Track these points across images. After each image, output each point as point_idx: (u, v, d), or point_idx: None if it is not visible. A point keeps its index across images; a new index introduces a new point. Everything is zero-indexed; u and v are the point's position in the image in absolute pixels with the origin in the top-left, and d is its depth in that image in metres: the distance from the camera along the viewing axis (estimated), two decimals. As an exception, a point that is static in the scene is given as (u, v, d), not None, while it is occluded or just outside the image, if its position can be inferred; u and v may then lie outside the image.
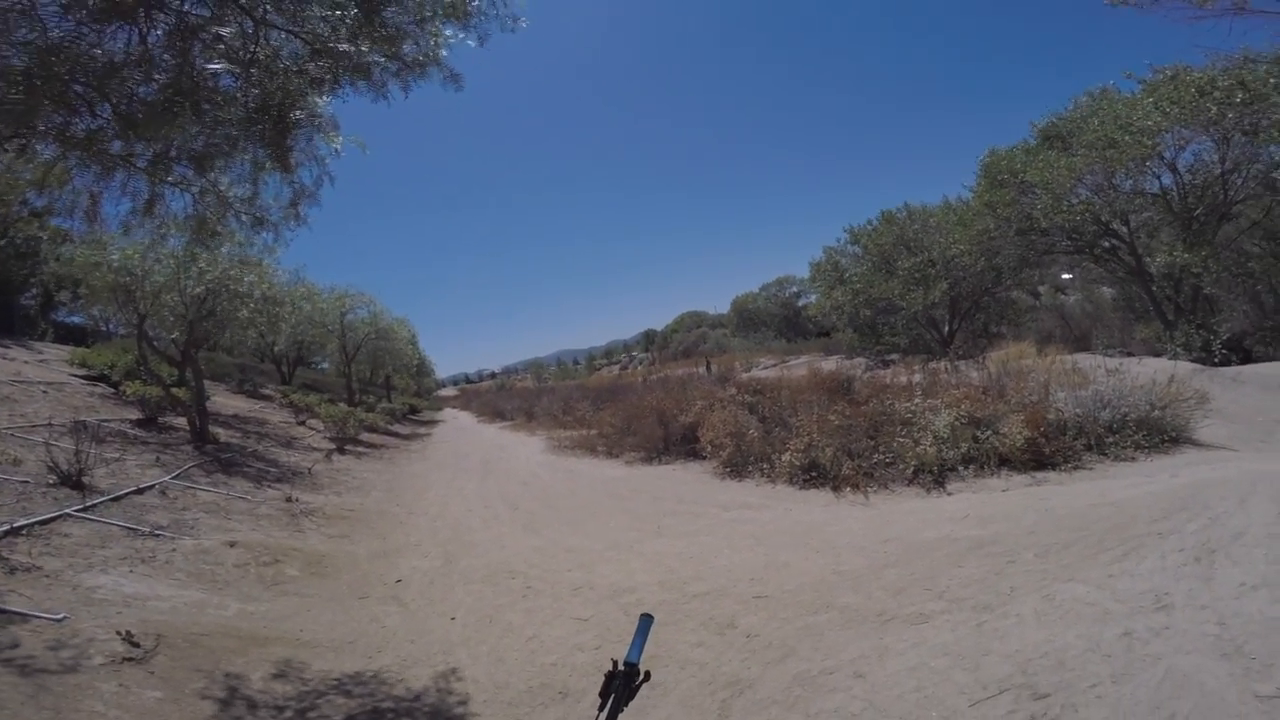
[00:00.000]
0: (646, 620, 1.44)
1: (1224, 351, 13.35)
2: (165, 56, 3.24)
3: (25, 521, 5.35)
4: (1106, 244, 17.79)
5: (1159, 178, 16.34)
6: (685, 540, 6.67)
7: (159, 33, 3.21)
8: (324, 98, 3.64)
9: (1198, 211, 15.68)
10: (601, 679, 1.36)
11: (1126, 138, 14.45)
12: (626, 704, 1.30)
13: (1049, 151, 17.01)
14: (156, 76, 3.29)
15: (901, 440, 8.20)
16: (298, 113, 3.54)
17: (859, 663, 3.43)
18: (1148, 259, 16.64)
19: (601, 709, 1.29)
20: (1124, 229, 17.07)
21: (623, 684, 1.31)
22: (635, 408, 14.12)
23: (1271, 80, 12.52)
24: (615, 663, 1.34)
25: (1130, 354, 14.57)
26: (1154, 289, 16.68)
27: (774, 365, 29.59)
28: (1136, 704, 2.41)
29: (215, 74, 3.35)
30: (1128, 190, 16.30)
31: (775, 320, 54.51)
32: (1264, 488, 4.11)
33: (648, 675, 1.34)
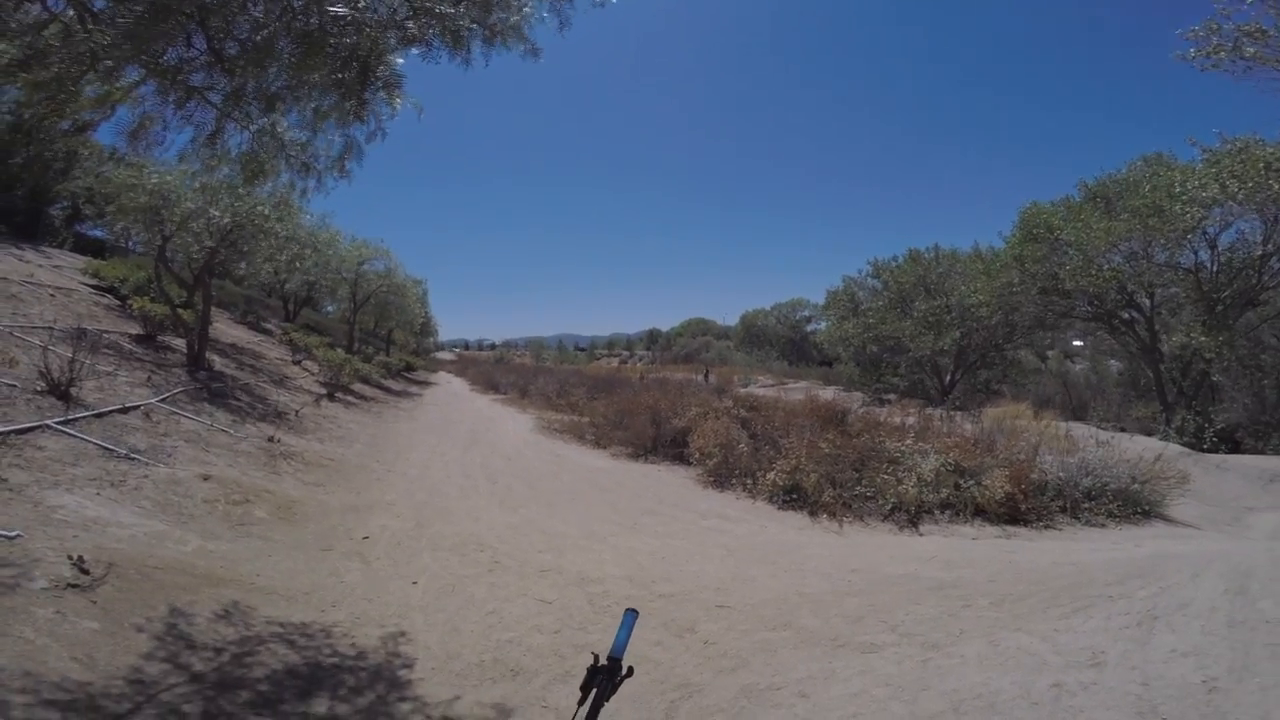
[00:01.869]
0: (631, 615, 1.42)
1: (1214, 439, 13.40)
2: None
3: (3, 429, 5.30)
4: (1126, 315, 17.79)
5: (1196, 253, 16.26)
6: (659, 540, 6.71)
7: None
8: (403, 57, 3.68)
9: (1225, 294, 15.62)
10: (556, 662, 1.35)
11: (1177, 207, 14.29)
12: (608, 699, 1.28)
13: (1091, 212, 16.95)
14: (257, 14, 3.33)
15: (885, 477, 8.26)
16: (380, 68, 3.57)
17: (806, 683, 3.48)
18: (1163, 337, 16.64)
19: (582, 703, 1.28)
20: (1146, 302, 17.07)
21: (605, 679, 1.29)
22: (630, 403, 14.16)
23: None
24: (597, 657, 1.32)
25: (1124, 430, 14.61)
26: (1162, 368, 16.70)
27: (772, 385, 29.61)
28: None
29: (312, 19, 3.38)
30: (1161, 262, 16.23)
31: (781, 341, 54.59)
32: (1218, 565, 4.22)
33: (630, 671, 1.33)
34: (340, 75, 3.45)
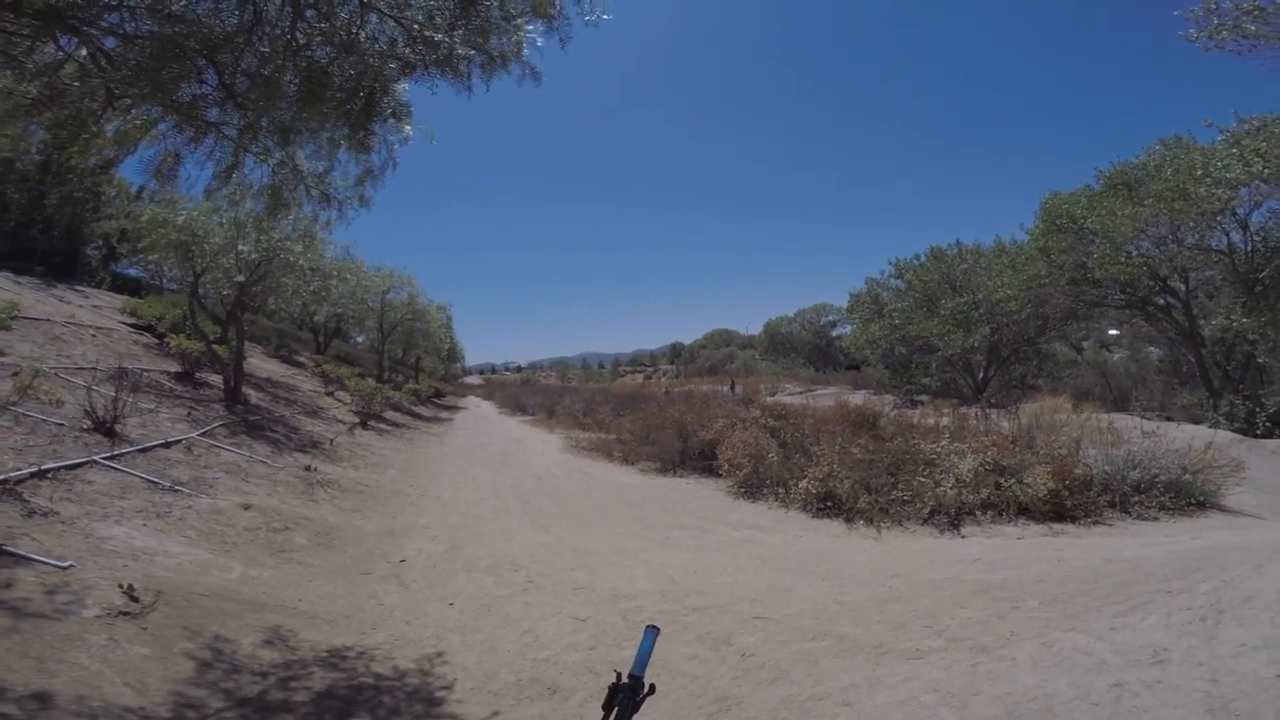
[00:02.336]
0: (652, 632, 1.39)
1: (1268, 424, 12.86)
2: (274, 32, 3.40)
3: (53, 465, 5.52)
4: (1161, 301, 17.27)
5: (1227, 234, 15.78)
6: (691, 554, 6.64)
7: (272, 8, 3.36)
8: (407, 85, 3.77)
9: (1264, 273, 15.10)
10: (591, 679, 1.34)
11: (1201, 189, 13.91)
12: (630, 717, 1.26)
13: (1114, 199, 16.56)
14: (263, 50, 3.45)
15: (922, 480, 8.07)
16: (385, 98, 3.66)
17: (849, 692, 3.38)
18: (1202, 321, 16.09)
19: None
20: (1181, 287, 16.55)
21: (627, 696, 1.27)
22: (656, 418, 14.12)
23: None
24: (619, 675, 1.31)
25: (1170, 419, 14.11)
26: (1204, 353, 16.13)
27: (800, 393, 29.31)
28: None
29: (316, 53, 3.49)
30: (1191, 245, 15.77)
31: (806, 348, 54.07)
32: (1284, 554, 3.99)
33: (652, 688, 1.31)
34: (348, 106, 3.54)
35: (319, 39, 3.53)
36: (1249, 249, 15.52)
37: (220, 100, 3.64)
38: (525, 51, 3.81)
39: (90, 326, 11.92)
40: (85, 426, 6.76)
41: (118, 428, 6.99)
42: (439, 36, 3.48)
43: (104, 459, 6.20)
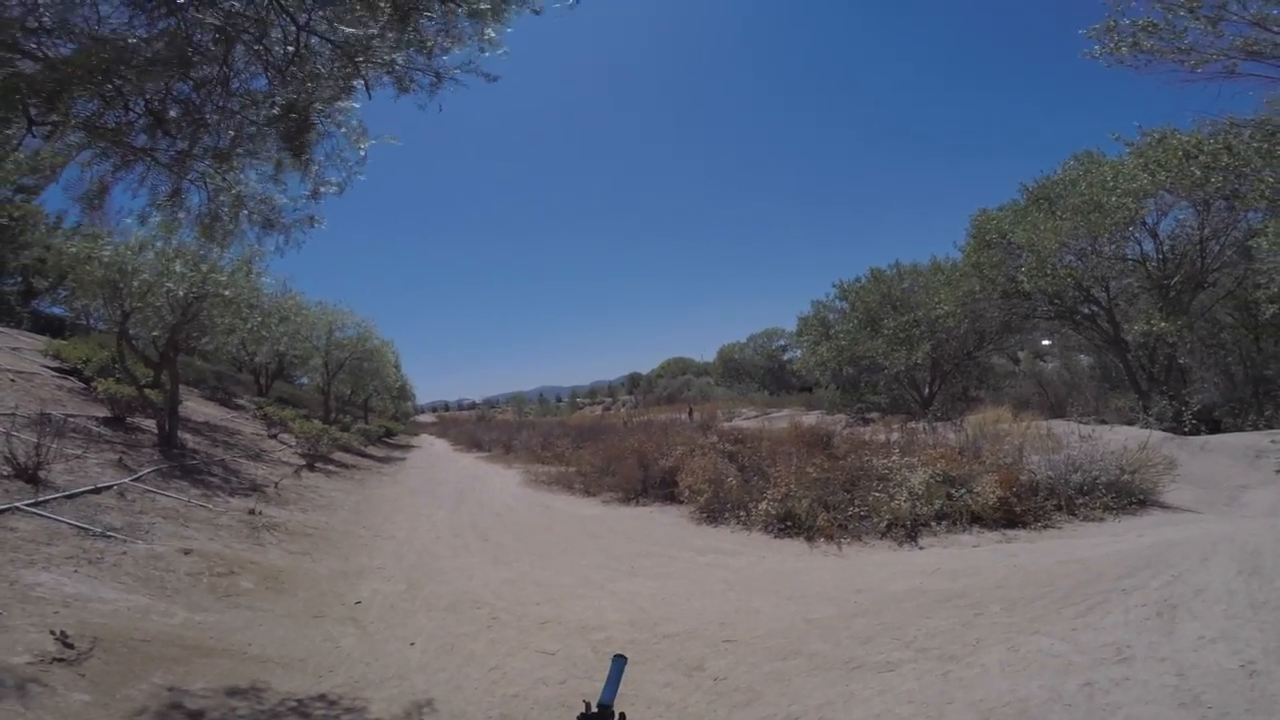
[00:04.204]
0: (620, 661, 1.40)
1: (1194, 421, 13.63)
2: (205, 55, 3.30)
3: (-29, 512, 5.12)
4: (1086, 310, 18.24)
5: (1140, 244, 16.89)
6: (658, 581, 6.57)
7: (202, 33, 3.26)
8: (353, 102, 3.69)
9: (1175, 279, 16.16)
10: (564, 713, 1.33)
11: (1113, 199, 14.80)
12: None
13: (1037, 213, 17.51)
14: (193, 75, 3.35)
15: (877, 495, 8.23)
16: (322, 117, 3.59)
17: (825, 709, 3.38)
18: (1125, 326, 17.06)
19: None
20: (1103, 295, 17.53)
21: None
22: (616, 448, 14.03)
23: (1255, 145, 12.91)
24: (588, 704, 1.29)
25: (1104, 422, 14.80)
26: (1130, 358, 17.07)
27: (756, 416, 29.68)
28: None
29: (250, 75, 3.41)
30: (1109, 255, 16.77)
31: (759, 372, 54.90)
32: (1225, 547, 4.21)
33: (622, 717, 1.30)
34: (283, 126, 3.46)
35: (255, 65, 3.46)
36: (1160, 257, 16.62)
37: (149, 127, 3.51)
38: (481, 55, 3.76)
39: (9, 370, 11.15)
40: (5, 474, 6.31)
41: (42, 474, 6.53)
42: (384, 55, 3.44)
43: (27, 505, 5.79)
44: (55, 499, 6.28)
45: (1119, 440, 9.60)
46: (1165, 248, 16.68)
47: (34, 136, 3.17)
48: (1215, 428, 14.60)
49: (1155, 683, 2.76)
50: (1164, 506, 7.87)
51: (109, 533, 6.03)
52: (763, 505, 8.68)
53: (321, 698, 3.95)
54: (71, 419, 9.67)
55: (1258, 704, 2.45)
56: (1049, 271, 16.67)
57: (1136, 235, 16.65)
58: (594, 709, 1.28)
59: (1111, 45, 6.58)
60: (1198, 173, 13.43)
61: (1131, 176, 14.68)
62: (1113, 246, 16.68)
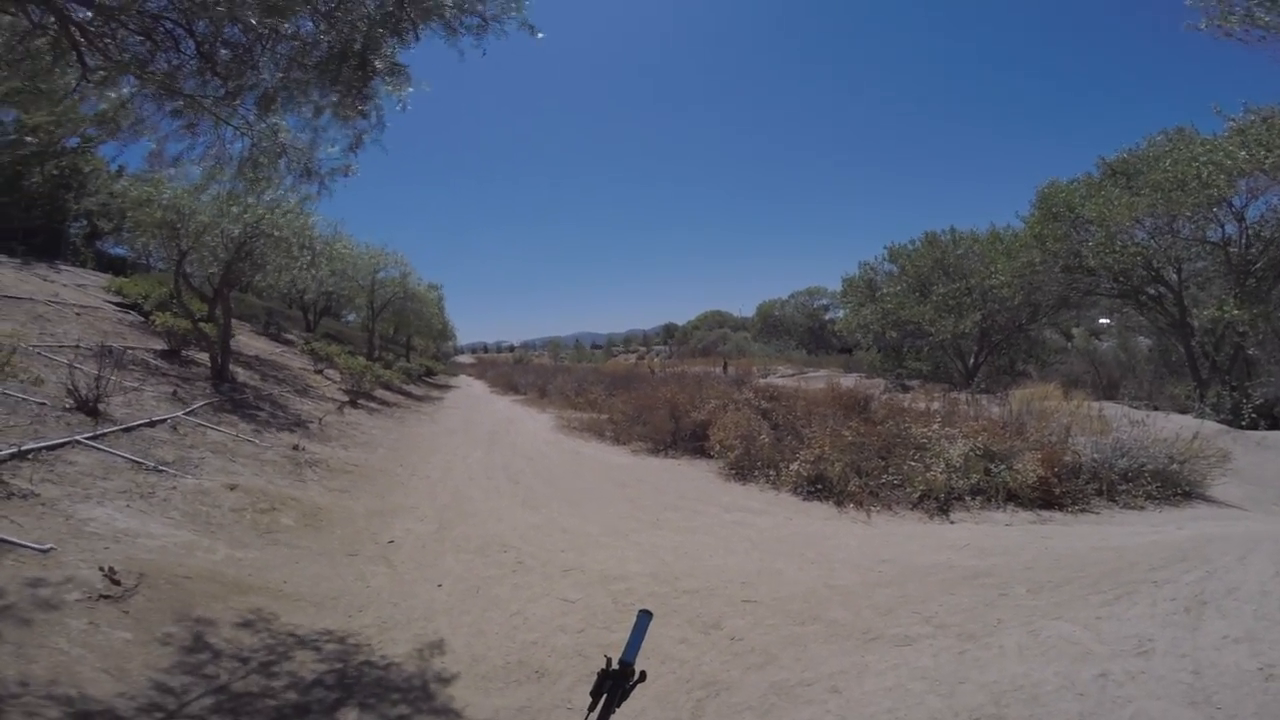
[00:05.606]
0: (645, 617, 1.34)
1: (1254, 416, 12.98)
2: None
3: (34, 445, 5.38)
4: (1153, 291, 17.33)
5: (1223, 226, 15.82)
6: (682, 535, 6.64)
7: None
8: (398, 46, 3.63)
9: (1257, 266, 15.18)
10: (580, 662, 1.30)
11: (1204, 174, 13.87)
12: (619, 704, 1.24)
13: (1112, 188, 16.55)
14: (242, 16, 3.32)
15: (912, 464, 8.08)
16: (377, 60, 3.53)
17: (838, 678, 3.39)
18: (1194, 311, 16.17)
19: (592, 709, 1.23)
20: (1174, 277, 16.60)
21: (615, 684, 1.24)
22: (648, 398, 14.08)
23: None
24: (609, 660, 1.27)
25: (1157, 408, 14.20)
26: (1194, 343, 16.22)
27: (792, 375, 29.35)
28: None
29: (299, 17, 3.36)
30: (1187, 236, 15.80)
31: (799, 330, 54.14)
32: (1267, 546, 4.04)
33: (643, 675, 1.27)
34: (336, 70, 3.41)
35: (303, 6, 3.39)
36: (1244, 242, 15.55)
37: (198, 71, 3.50)
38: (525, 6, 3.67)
39: (75, 305, 11.71)
40: (68, 406, 6.62)
41: (101, 407, 6.86)
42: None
43: (87, 439, 6.06)
44: (113, 432, 6.59)
45: (1172, 428, 9.21)
46: (1250, 233, 15.57)
47: (89, 82, 3.20)
48: (1275, 424, 13.88)
49: (1170, 679, 2.69)
50: (1209, 501, 7.58)
51: (161, 467, 6.30)
52: (794, 466, 8.63)
53: (349, 636, 4.11)
54: (130, 351, 10.13)
55: (1268, 708, 2.37)
56: (1117, 248, 15.80)
57: (1220, 217, 15.53)
58: (615, 666, 1.26)
59: (1220, 17, 5.98)
60: None
61: (1228, 153, 13.65)
62: (1192, 227, 15.67)
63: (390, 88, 3.85)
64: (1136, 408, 13.33)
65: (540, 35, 3.68)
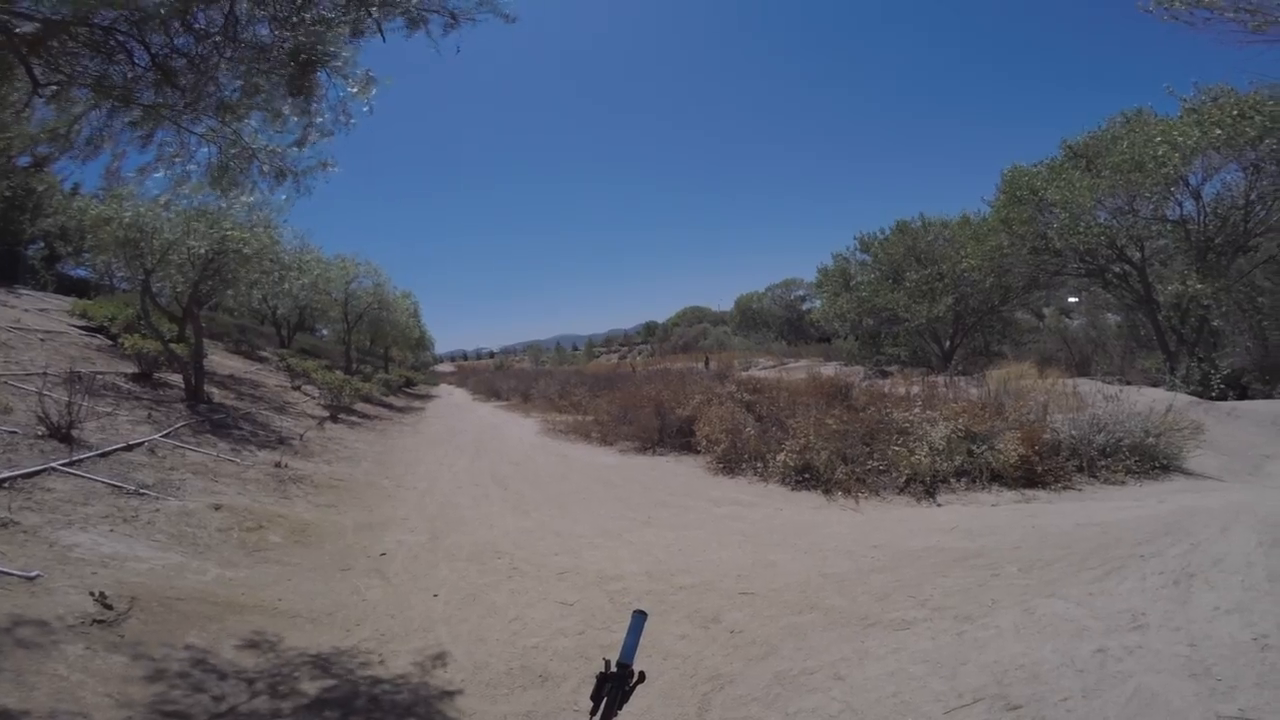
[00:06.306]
0: (640, 617, 1.33)
1: (1222, 386, 13.36)
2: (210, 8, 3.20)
3: (8, 474, 5.25)
4: (1118, 269, 17.75)
5: (1181, 204, 16.31)
6: (675, 532, 6.66)
7: None
8: (357, 44, 3.58)
9: (1216, 241, 15.64)
10: (582, 664, 1.29)
11: (1159, 152, 14.29)
12: (621, 706, 1.23)
13: (1073, 171, 16.93)
14: (197, 26, 3.25)
15: (896, 448, 8.19)
16: (331, 60, 3.48)
17: (839, 665, 3.43)
18: (1158, 287, 16.61)
19: (594, 713, 1.22)
20: (1137, 255, 17.03)
21: (615, 686, 1.23)
22: (632, 397, 14.09)
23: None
24: (608, 663, 1.27)
25: (1129, 383, 14.55)
26: (1160, 318, 16.66)
27: (773, 366, 29.57)
28: (1105, 719, 2.44)
29: (254, 24, 3.30)
30: (1147, 215, 16.23)
31: (777, 322, 54.49)
32: (1246, 517, 4.14)
33: (642, 676, 1.26)
34: (286, 72, 3.36)
35: (260, 11, 3.34)
36: (1202, 219, 16.01)
37: (156, 83, 3.42)
38: None
39: (39, 330, 11.38)
40: (40, 433, 6.45)
41: (75, 433, 6.69)
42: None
43: (62, 465, 5.93)
44: (89, 458, 6.43)
45: (1145, 402, 9.43)
46: (1208, 209, 16.05)
47: (40, 97, 3.12)
48: (1243, 394, 14.31)
49: (1167, 652, 2.75)
50: (1187, 473, 7.76)
51: (142, 490, 6.18)
52: (781, 456, 8.70)
53: (349, 650, 4.06)
54: (100, 376, 9.88)
55: (1267, 678, 2.43)
56: (1081, 229, 16.18)
57: (1178, 196, 16.03)
58: (614, 667, 1.26)
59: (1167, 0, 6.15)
60: (1252, 133, 12.97)
61: (1181, 132, 14.09)
62: (1151, 207, 16.11)
63: (357, 90, 3.80)
64: (1109, 383, 13.65)
65: (513, 18, 3.65)
